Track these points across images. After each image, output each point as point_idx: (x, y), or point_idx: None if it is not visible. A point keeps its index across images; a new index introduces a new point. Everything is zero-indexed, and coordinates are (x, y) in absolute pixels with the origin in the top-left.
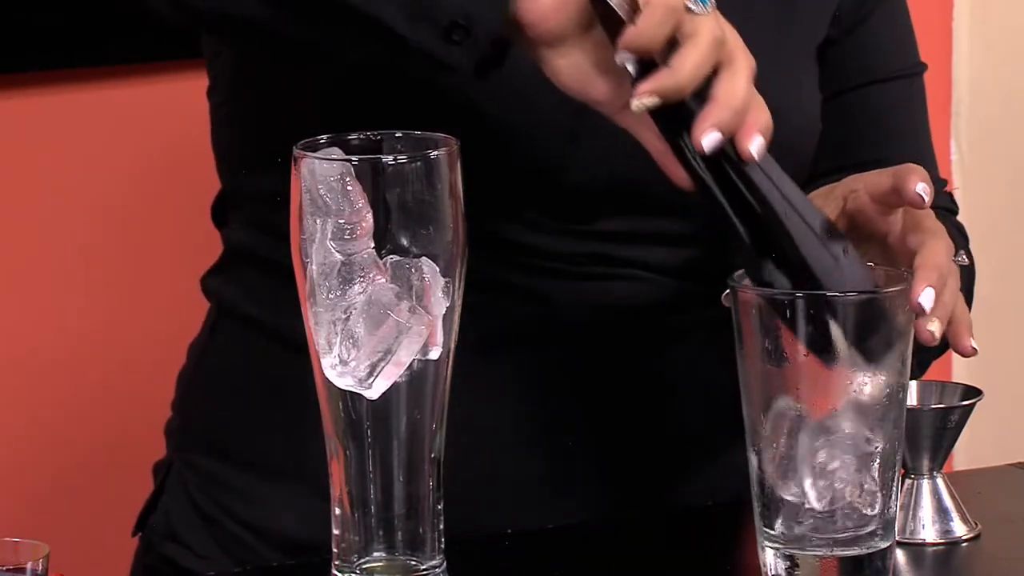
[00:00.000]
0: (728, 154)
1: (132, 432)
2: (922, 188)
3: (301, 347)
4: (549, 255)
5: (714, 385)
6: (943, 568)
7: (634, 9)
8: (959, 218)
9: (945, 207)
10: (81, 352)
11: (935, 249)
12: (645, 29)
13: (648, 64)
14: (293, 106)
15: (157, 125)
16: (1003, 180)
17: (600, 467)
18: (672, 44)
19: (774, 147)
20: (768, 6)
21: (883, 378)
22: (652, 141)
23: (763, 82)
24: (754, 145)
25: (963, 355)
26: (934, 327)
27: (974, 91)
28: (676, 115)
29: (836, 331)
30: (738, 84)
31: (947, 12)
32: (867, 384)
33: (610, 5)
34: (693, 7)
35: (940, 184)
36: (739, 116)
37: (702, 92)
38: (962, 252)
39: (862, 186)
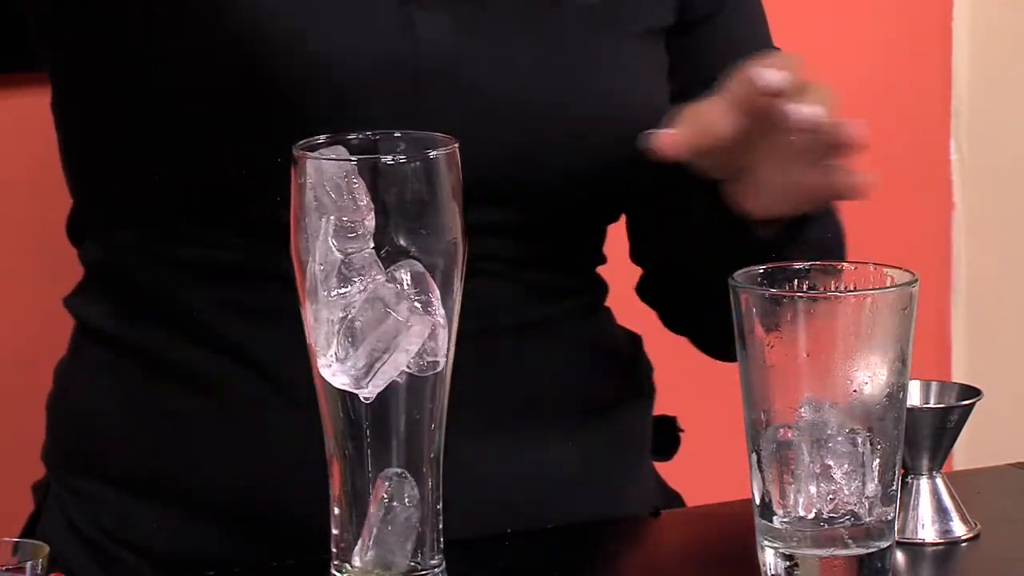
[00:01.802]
0: None
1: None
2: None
3: (161, 362)
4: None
5: (600, 366)
6: (943, 568)
7: None
8: (959, 218)
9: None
10: None
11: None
12: None
13: None
14: (139, 122)
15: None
16: (1003, 180)
17: (478, 469)
18: None
19: (611, 140)
20: None
21: (883, 378)
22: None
23: (600, 75)
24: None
25: (855, 141)
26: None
27: (974, 91)
28: None
29: None
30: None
31: (947, 12)
32: (867, 384)
33: None
34: None
35: None
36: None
37: None
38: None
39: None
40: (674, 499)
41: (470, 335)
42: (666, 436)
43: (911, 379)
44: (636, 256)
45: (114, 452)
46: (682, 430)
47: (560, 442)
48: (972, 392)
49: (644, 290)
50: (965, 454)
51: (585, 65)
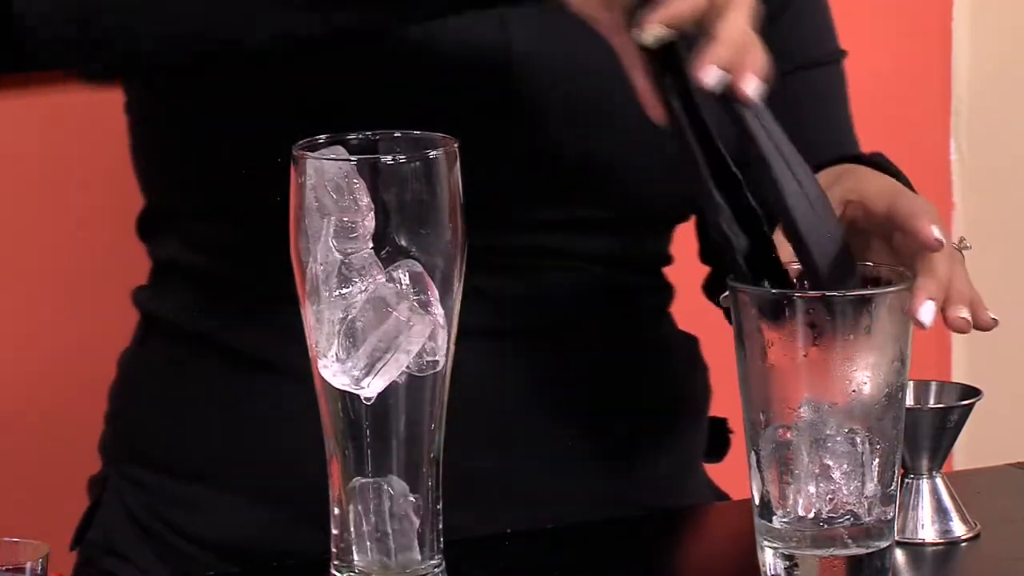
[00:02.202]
0: (725, 95)
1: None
2: (939, 232)
3: (227, 354)
4: (485, 250)
5: (657, 372)
6: (942, 568)
7: None
8: (959, 218)
9: (878, 163)
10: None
11: (935, 258)
12: None
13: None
14: (213, 125)
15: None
16: (1003, 180)
17: (551, 461)
18: None
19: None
20: None
21: (882, 378)
22: (638, 76)
23: None
24: (751, 87)
25: (986, 329)
26: (964, 314)
27: (974, 91)
28: (667, 53)
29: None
30: (739, 24)
31: (947, 12)
32: (866, 384)
33: None
34: None
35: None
36: (739, 56)
37: (695, 37)
38: (962, 238)
39: (857, 197)
40: (723, 501)
41: (539, 330)
42: (717, 438)
43: (911, 379)
44: (704, 256)
45: (177, 443)
46: (732, 432)
47: (615, 440)
48: (972, 392)
49: (710, 289)
50: (965, 454)
51: None
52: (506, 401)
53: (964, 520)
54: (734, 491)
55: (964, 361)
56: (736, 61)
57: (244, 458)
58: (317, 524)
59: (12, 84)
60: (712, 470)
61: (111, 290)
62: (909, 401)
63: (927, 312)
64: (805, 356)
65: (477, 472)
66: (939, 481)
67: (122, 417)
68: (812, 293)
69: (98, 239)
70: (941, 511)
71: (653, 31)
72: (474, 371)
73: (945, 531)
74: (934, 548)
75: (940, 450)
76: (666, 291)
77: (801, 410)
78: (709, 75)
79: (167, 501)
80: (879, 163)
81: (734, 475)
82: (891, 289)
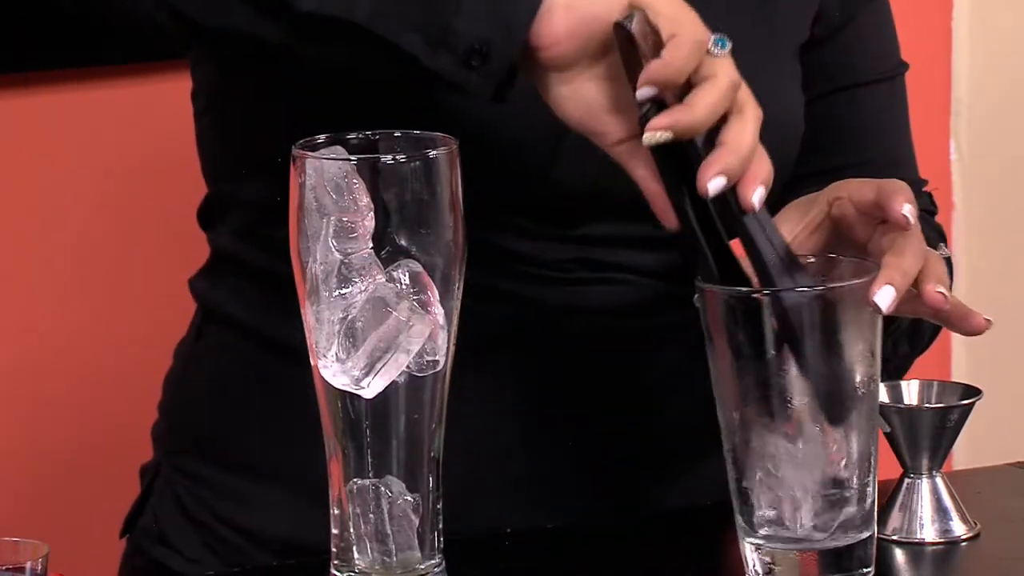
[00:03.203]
0: (726, 200)
1: (119, 433)
2: (908, 210)
3: (286, 350)
4: (536, 261)
5: (702, 384)
6: (942, 568)
7: (657, 44)
8: (959, 218)
9: (924, 208)
10: (68, 353)
11: (902, 247)
12: (672, 62)
13: (660, 102)
14: (276, 116)
15: (148, 124)
16: (1003, 180)
17: (589, 469)
18: (688, 84)
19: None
20: (749, 5)
21: (854, 370)
22: (647, 180)
23: (748, 83)
24: (756, 196)
25: (979, 331)
26: (941, 288)
27: (974, 91)
28: (678, 156)
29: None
30: (747, 132)
31: (947, 12)
32: (838, 377)
33: (633, 38)
34: (713, 49)
35: (920, 184)
36: (745, 163)
37: (709, 136)
38: (942, 244)
39: (846, 194)
40: None
41: (594, 339)
42: None
43: (911, 379)
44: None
45: (231, 435)
46: None
47: (658, 445)
48: (972, 392)
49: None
50: (965, 454)
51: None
52: (546, 407)
53: (964, 520)
54: None
55: (964, 361)
56: (742, 169)
57: (296, 453)
58: None
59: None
60: None
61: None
62: (909, 401)
63: (884, 296)
64: (775, 353)
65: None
66: (939, 481)
67: (176, 407)
68: (777, 289)
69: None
70: (941, 511)
71: (658, 136)
72: (510, 377)
73: (945, 531)
74: (934, 548)
75: (940, 450)
76: None
77: (773, 407)
78: (714, 183)
79: (218, 493)
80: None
81: None
82: (856, 282)
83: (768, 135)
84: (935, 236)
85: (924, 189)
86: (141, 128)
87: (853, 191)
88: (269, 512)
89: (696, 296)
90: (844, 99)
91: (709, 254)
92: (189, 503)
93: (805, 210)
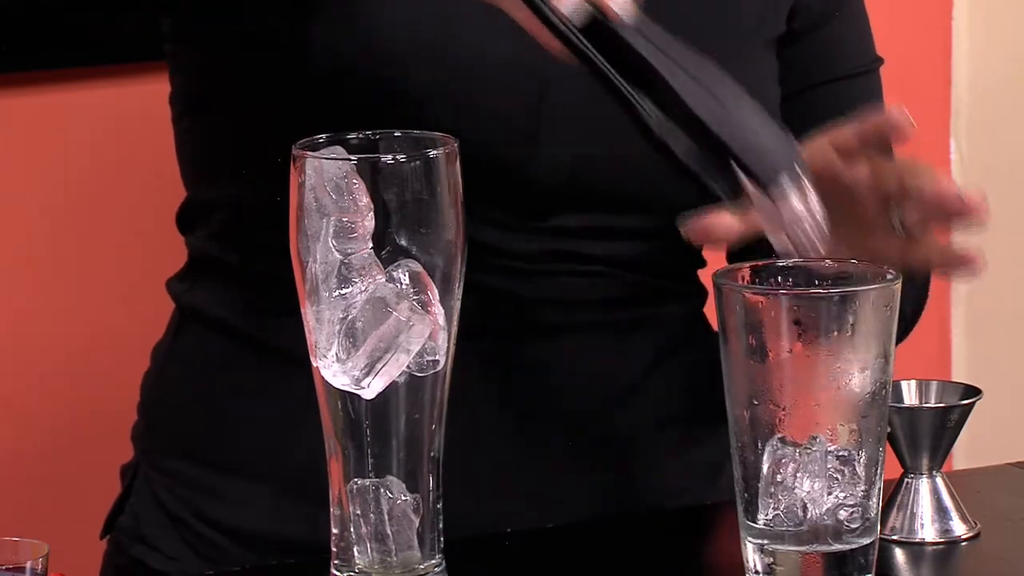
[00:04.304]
0: (600, 21)
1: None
2: (898, 110)
3: (265, 349)
4: (511, 253)
5: (679, 375)
6: (942, 567)
7: None
8: None
9: None
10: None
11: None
12: None
13: None
14: (253, 121)
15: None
16: (1003, 179)
17: (572, 462)
18: None
19: None
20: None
21: (866, 374)
22: (525, 18)
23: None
24: (618, 4)
25: (978, 216)
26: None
27: (974, 91)
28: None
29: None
30: None
31: (947, 12)
32: (850, 381)
33: None
34: None
35: None
36: None
37: None
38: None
39: (823, 142)
40: None
41: (570, 332)
42: None
43: (911, 379)
44: (730, 259)
45: (209, 433)
46: None
47: (646, 437)
48: (972, 392)
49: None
50: (965, 454)
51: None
52: (521, 399)
53: (964, 520)
54: None
55: (964, 361)
56: None
57: (274, 450)
58: None
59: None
60: None
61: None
62: (909, 401)
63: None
64: (789, 353)
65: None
66: (939, 481)
67: (154, 407)
68: (796, 290)
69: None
70: (941, 511)
71: None
72: (486, 369)
73: (945, 531)
74: (934, 548)
75: (940, 450)
76: (697, 295)
77: (785, 407)
78: (565, 4)
79: (197, 490)
80: None
81: None
82: (875, 286)
83: None
84: None
85: None
86: (122, 130)
87: (830, 137)
88: (247, 508)
89: (683, 228)
90: (823, 94)
91: (610, 74)
92: (168, 501)
93: None
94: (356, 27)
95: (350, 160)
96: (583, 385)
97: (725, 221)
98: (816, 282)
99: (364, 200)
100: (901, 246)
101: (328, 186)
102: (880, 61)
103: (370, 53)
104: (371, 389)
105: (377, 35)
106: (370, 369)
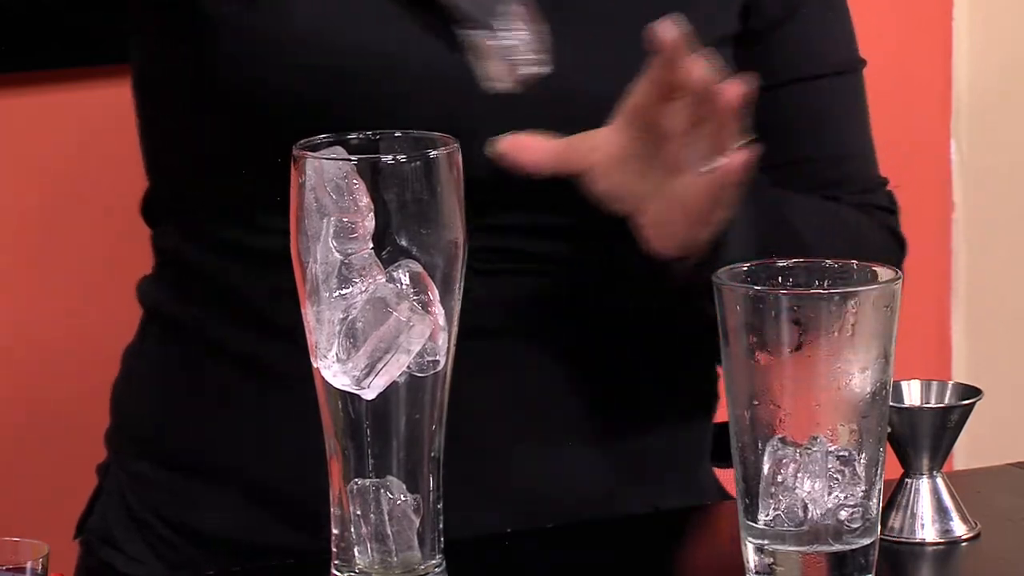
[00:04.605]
0: None
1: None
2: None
3: (228, 351)
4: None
5: (628, 374)
6: (942, 567)
7: None
8: (959, 218)
9: (882, 207)
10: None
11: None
12: None
13: None
14: (205, 116)
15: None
16: (1003, 180)
17: (522, 463)
18: None
19: None
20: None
21: (867, 375)
22: None
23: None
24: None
25: (731, 99)
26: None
27: (974, 91)
28: None
29: None
30: None
31: (947, 12)
32: (850, 381)
33: None
34: None
35: (875, 181)
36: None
37: None
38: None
39: (646, 84)
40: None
41: (515, 331)
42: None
43: (912, 379)
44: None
45: (173, 435)
46: None
47: (617, 445)
48: (972, 392)
49: None
50: (965, 454)
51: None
52: (474, 399)
53: (964, 520)
54: None
55: (964, 361)
56: None
57: (237, 455)
58: (308, 524)
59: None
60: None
61: (124, 282)
62: (910, 401)
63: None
64: (789, 353)
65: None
66: (939, 481)
67: (121, 409)
68: (796, 290)
69: (111, 230)
70: (941, 511)
71: None
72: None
73: (945, 531)
74: (934, 548)
75: (940, 450)
76: (639, 292)
77: (785, 407)
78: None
79: (161, 493)
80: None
81: None
82: (876, 286)
83: None
84: (890, 239)
85: (885, 188)
86: (120, 128)
87: (647, 80)
88: (211, 512)
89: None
90: (795, 91)
91: None
92: (133, 504)
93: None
94: (258, 39)
95: (351, 160)
96: (531, 383)
97: (534, 144)
98: (816, 282)
99: (364, 200)
100: (703, 186)
101: (328, 186)
102: (861, 63)
103: (281, 64)
104: (372, 389)
105: (289, 44)
106: (371, 369)
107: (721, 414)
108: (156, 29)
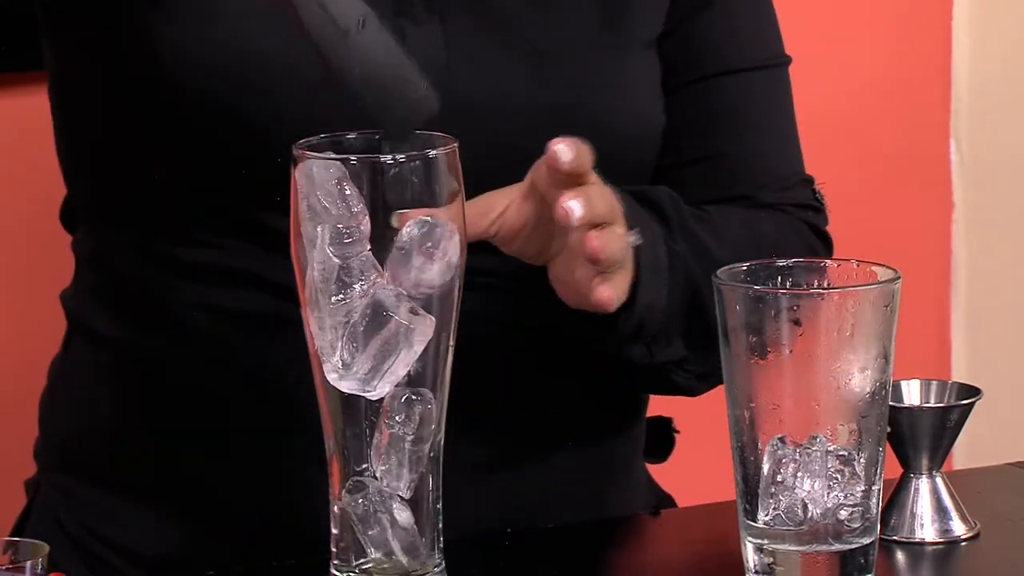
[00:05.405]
0: None
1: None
2: (571, 205)
3: (149, 362)
4: None
5: (578, 386)
6: (942, 567)
7: None
8: (959, 218)
9: (807, 204)
10: None
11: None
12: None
13: None
14: (111, 117)
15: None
16: (1003, 180)
17: (475, 474)
18: None
19: (603, 155)
20: (595, 7)
21: (866, 374)
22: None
23: (592, 89)
24: None
25: (602, 303)
26: (575, 207)
27: (974, 91)
28: None
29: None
30: None
31: (947, 12)
32: (850, 381)
33: None
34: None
35: (797, 179)
36: None
37: None
38: (636, 231)
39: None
40: (665, 501)
41: (473, 345)
42: (660, 438)
43: (911, 379)
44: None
45: (100, 452)
46: (678, 432)
47: (553, 445)
48: (972, 392)
49: None
50: (965, 454)
51: (581, 78)
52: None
53: (964, 520)
54: (681, 493)
55: (964, 361)
56: None
57: (163, 471)
58: (238, 540)
59: None
60: (660, 472)
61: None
62: (909, 401)
63: (575, 204)
64: (790, 353)
65: None
66: (939, 481)
67: (48, 424)
68: (795, 290)
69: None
70: (941, 511)
71: None
72: None
73: (945, 531)
74: (934, 548)
75: (940, 450)
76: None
77: (785, 407)
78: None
79: (90, 509)
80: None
81: (682, 477)
82: (875, 286)
83: (615, 141)
84: (812, 237)
85: (811, 187)
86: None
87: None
88: (138, 529)
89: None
90: (712, 86)
91: None
92: (65, 521)
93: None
94: (176, 47)
95: (348, 160)
96: (479, 396)
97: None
98: (816, 282)
99: (358, 205)
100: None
101: (320, 192)
102: (784, 59)
103: (201, 72)
104: (377, 391)
105: (241, 41)
106: (375, 372)
107: (652, 409)
108: (74, 37)
